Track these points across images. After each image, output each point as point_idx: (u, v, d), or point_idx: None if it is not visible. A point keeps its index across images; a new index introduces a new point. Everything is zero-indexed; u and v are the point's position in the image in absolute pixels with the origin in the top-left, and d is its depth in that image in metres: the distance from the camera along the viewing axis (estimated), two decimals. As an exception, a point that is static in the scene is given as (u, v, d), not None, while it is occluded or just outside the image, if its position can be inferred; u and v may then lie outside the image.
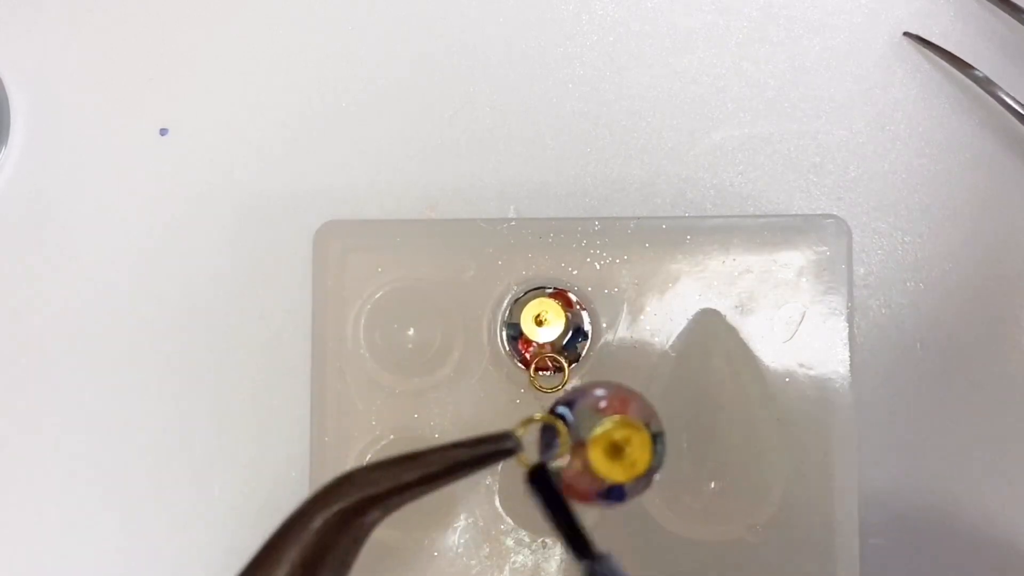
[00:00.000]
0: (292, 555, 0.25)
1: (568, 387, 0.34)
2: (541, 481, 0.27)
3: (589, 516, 0.34)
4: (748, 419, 0.34)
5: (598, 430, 0.27)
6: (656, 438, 0.28)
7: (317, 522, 0.25)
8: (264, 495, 0.36)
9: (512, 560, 0.34)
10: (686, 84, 0.37)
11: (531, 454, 0.27)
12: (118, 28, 0.38)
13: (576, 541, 0.26)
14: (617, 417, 0.27)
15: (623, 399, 0.28)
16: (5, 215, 0.38)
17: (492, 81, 0.37)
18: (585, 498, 0.28)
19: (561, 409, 0.28)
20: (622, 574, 0.25)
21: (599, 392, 0.28)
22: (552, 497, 0.27)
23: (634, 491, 0.28)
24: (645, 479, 0.28)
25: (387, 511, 0.27)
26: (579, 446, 0.27)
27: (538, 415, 0.28)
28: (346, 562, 0.26)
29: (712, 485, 0.34)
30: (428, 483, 0.27)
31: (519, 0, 0.38)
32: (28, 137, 0.38)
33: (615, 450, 0.27)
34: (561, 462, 0.28)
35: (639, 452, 0.27)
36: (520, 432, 0.27)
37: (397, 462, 0.26)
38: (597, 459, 0.27)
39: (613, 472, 0.27)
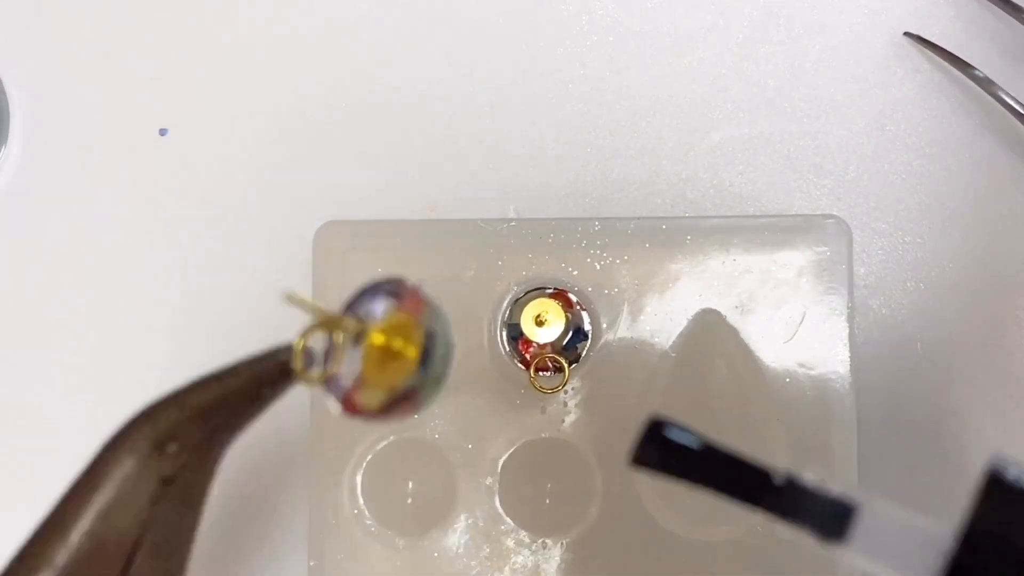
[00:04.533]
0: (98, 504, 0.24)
1: (567, 387, 0.34)
2: (659, 440, 0.21)
3: (587, 515, 0.34)
4: (748, 419, 0.34)
5: (371, 329, 0.25)
6: (431, 338, 0.25)
7: (112, 467, 0.25)
8: (263, 496, 0.36)
9: (512, 561, 0.34)
10: (686, 84, 0.37)
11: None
12: (118, 28, 0.38)
13: (754, 487, 0.20)
14: (394, 315, 0.25)
15: (416, 301, 0.25)
16: (5, 215, 0.38)
17: (492, 81, 0.37)
18: (372, 415, 0.25)
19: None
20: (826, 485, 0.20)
21: (386, 288, 0.25)
22: (687, 455, 0.21)
23: (421, 399, 0.25)
24: (426, 382, 0.25)
25: (188, 446, 0.25)
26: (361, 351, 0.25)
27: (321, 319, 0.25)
28: (180, 508, 0.25)
29: (712, 485, 0.34)
30: (219, 409, 0.25)
31: (519, 0, 0.38)
32: (28, 137, 0.38)
33: (384, 351, 0.24)
34: (346, 377, 0.25)
35: (405, 352, 0.24)
36: (301, 344, 0.25)
37: (183, 390, 0.26)
38: (366, 362, 0.24)
39: (378, 377, 0.24)
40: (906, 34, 0.37)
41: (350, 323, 0.25)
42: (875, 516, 0.19)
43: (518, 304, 0.34)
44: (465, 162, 0.37)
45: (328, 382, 0.25)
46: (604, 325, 0.34)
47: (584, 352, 0.34)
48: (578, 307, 0.34)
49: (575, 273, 0.35)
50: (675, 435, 0.21)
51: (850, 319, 0.34)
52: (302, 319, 0.36)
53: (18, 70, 0.38)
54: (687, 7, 0.37)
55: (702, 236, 0.34)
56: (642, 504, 0.34)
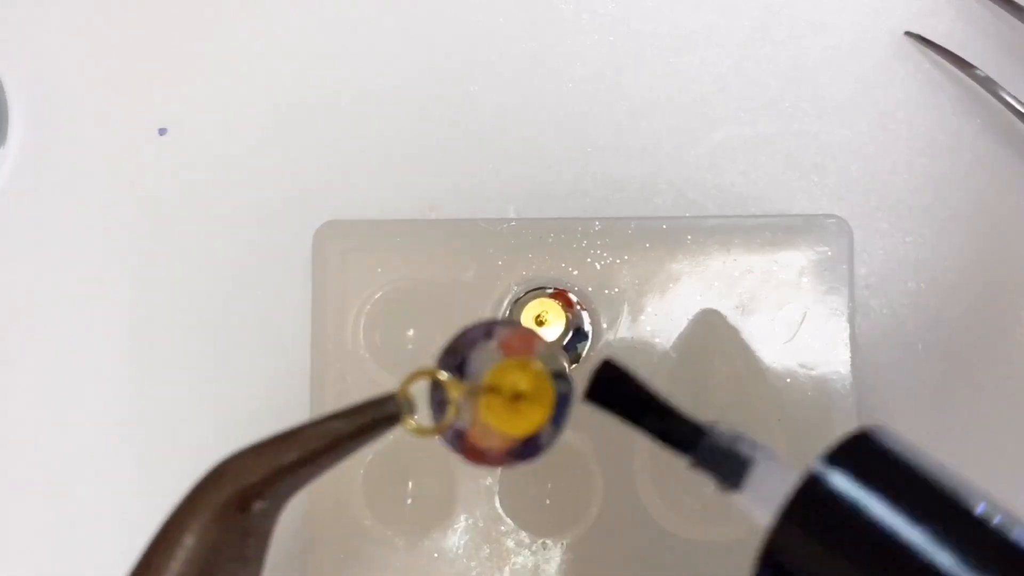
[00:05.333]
0: (173, 570, 0.22)
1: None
2: (604, 382, 0.23)
3: (587, 515, 0.34)
4: (749, 420, 0.34)
5: (487, 378, 0.24)
6: (557, 378, 0.24)
7: (193, 528, 0.23)
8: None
9: (512, 561, 0.34)
10: (686, 84, 0.37)
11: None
12: (118, 28, 0.38)
13: (674, 432, 0.23)
14: (507, 360, 0.24)
15: (524, 338, 0.24)
16: (5, 215, 0.38)
17: (492, 81, 0.37)
18: (496, 460, 0.24)
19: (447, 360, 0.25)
20: (741, 440, 0.23)
21: (494, 333, 0.24)
22: (620, 392, 0.23)
23: (547, 441, 0.24)
24: (554, 426, 0.24)
25: (276, 499, 0.24)
26: (475, 398, 0.24)
27: (423, 368, 0.24)
28: (246, 559, 0.24)
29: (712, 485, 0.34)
30: (310, 462, 0.23)
31: (519, 0, 0.38)
32: (28, 137, 0.38)
33: (510, 399, 0.23)
34: (462, 422, 0.24)
35: (538, 396, 0.23)
36: (404, 393, 0.24)
37: (272, 443, 0.24)
38: (490, 412, 0.23)
39: (512, 425, 0.23)
40: (907, 33, 0.37)
41: (445, 378, 0.24)
42: (764, 471, 0.22)
43: (518, 304, 0.34)
44: (465, 162, 0.37)
45: (443, 433, 0.24)
46: (604, 325, 0.34)
47: (584, 352, 0.34)
48: (578, 307, 0.34)
49: (575, 273, 0.35)
50: (623, 378, 0.24)
51: (851, 319, 0.34)
52: (301, 321, 0.36)
53: (18, 70, 0.38)
54: (687, 7, 0.37)
55: (703, 236, 0.34)
56: (642, 504, 0.34)
